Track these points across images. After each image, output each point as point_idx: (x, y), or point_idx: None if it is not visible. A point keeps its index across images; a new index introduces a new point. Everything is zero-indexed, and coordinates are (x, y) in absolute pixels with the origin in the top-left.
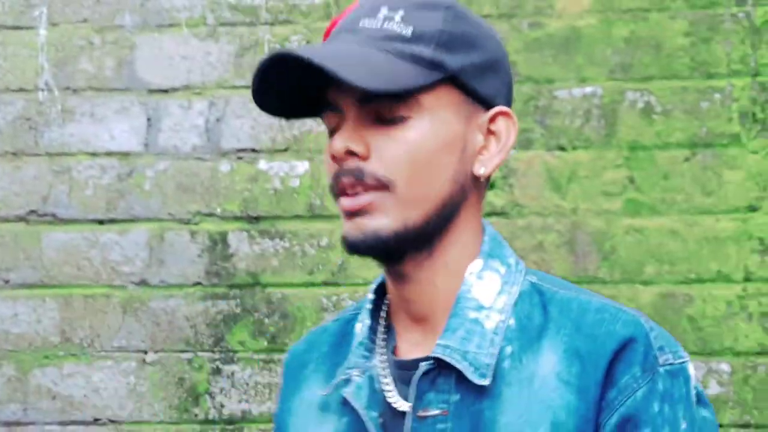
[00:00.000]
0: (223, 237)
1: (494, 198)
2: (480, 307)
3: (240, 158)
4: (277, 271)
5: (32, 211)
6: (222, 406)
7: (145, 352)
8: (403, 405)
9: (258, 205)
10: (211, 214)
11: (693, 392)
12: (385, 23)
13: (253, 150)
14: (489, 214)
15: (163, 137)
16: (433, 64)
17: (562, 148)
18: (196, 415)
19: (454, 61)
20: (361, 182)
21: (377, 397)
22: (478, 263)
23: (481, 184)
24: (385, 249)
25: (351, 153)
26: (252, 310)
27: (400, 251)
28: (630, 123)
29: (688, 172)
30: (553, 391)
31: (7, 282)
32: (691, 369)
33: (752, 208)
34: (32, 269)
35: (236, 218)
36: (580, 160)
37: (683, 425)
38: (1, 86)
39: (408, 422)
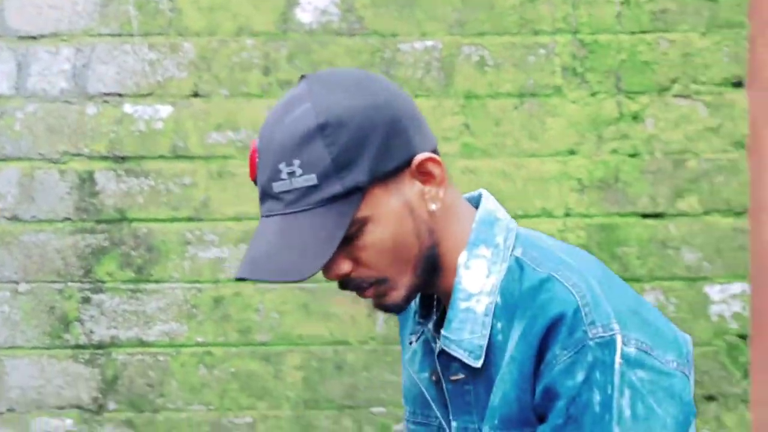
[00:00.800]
0: (91, 175)
1: None
2: (469, 296)
3: (106, 102)
4: (143, 208)
5: None
6: (91, 332)
7: (17, 283)
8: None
9: (124, 146)
10: (78, 154)
11: (620, 361)
12: (292, 180)
13: (119, 95)
14: None
15: (32, 81)
16: (349, 191)
17: None
18: (67, 341)
19: (361, 173)
20: (364, 285)
21: (432, 358)
22: (463, 255)
23: (438, 202)
24: (408, 303)
25: (346, 274)
26: (119, 243)
27: (413, 298)
28: (465, 74)
29: (516, 120)
30: (507, 366)
31: None
32: (620, 340)
33: (572, 152)
34: None
35: (103, 158)
36: (421, 107)
37: (609, 390)
38: None
39: (444, 385)
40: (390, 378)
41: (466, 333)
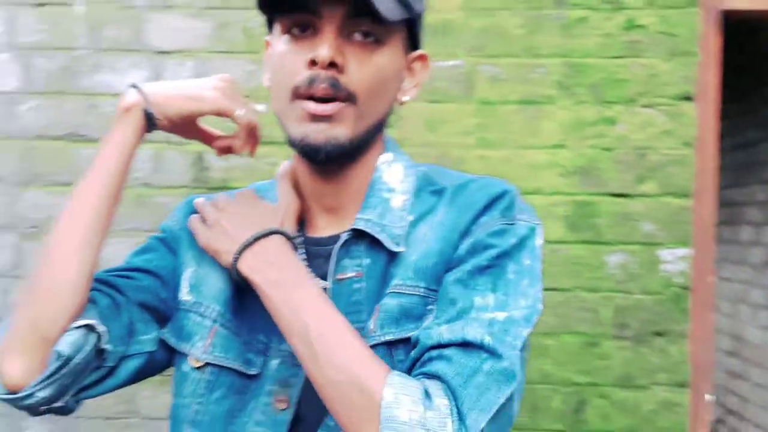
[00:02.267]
0: (201, 155)
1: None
2: (390, 189)
3: None
4: (239, 179)
5: None
6: None
7: (149, 232)
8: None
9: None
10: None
11: (537, 246)
12: None
13: None
14: None
15: None
16: (406, 6)
17: (435, 101)
18: None
19: (417, 6)
20: (335, 91)
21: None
22: (388, 156)
23: (407, 97)
24: (338, 153)
25: (332, 64)
26: None
27: (342, 155)
28: (482, 86)
29: (519, 121)
30: (435, 232)
31: None
32: (540, 233)
33: (560, 146)
34: None
35: None
36: (448, 110)
37: (526, 260)
38: None
39: (329, 285)
40: None
41: (386, 220)
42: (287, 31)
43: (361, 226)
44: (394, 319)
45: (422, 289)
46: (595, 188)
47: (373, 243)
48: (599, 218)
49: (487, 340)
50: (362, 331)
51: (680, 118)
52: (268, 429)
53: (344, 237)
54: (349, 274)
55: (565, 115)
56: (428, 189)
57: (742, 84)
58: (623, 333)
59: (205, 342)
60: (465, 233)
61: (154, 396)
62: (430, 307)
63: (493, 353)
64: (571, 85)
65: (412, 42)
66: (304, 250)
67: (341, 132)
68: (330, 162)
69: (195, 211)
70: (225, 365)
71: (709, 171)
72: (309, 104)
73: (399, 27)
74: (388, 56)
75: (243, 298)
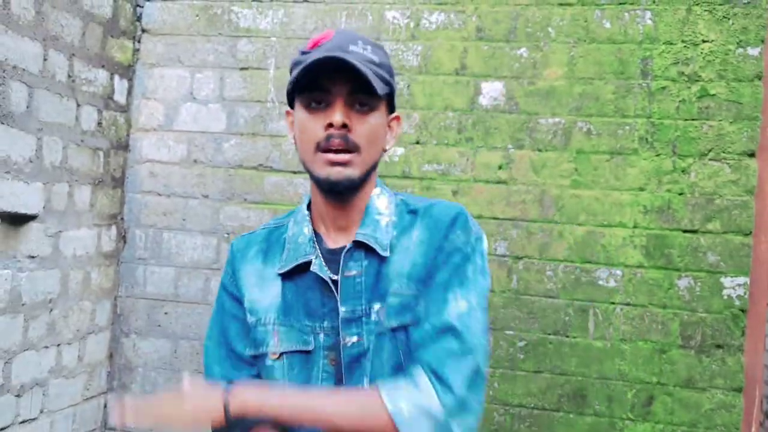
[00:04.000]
0: None
1: (501, 174)
2: (380, 213)
3: None
4: None
5: None
6: None
7: None
8: (333, 275)
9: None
10: None
11: (484, 250)
12: (364, 51)
13: None
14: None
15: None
16: (388, 84)
17: (539, 150)
18: None
19: (393, 84)
20: (346, 144)
21: (324, 270)
22: (377, 190)
23: (388, 145)
24: (351, 187)
25: (344, 126)
26: None
27: (353, 188)
28: (578, 139)
29: (608, 168)
30: (416, 248)
31: None
32: (484, 239)
33: (641, 189)
34: None
35: None
36: (550, 158)
37: (478, 260)
38: None
39: (339, 279)
40: None
41: (378, 234)
42: (308, 105)
43: (360, 238)
44: (396, 312)
45: (414, 290)
46: (669, 225)
47: (369, 250)
48: (672, 249)
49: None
50: (364, 314)
51: (743, 170)
52: (330, 376)
53: (348, 246)
54: (353, 272)
55: (645, 164)
56: (406, 210)
57: None
58: (688, 344)
59: (274, 341)
60: (438, 249)
61: None
62: (419, 300)
63: (459, 335)
64: (652, 140)
65: (390, 108)
66: (322, 258)
67: (352, 172)
68: (344, 193)
69: (237, 250)
70: (292, 350)
71: (766, 214)
72: (329, 155)
73: (383, 98)
74: (378, 118)
75: (286, 302)
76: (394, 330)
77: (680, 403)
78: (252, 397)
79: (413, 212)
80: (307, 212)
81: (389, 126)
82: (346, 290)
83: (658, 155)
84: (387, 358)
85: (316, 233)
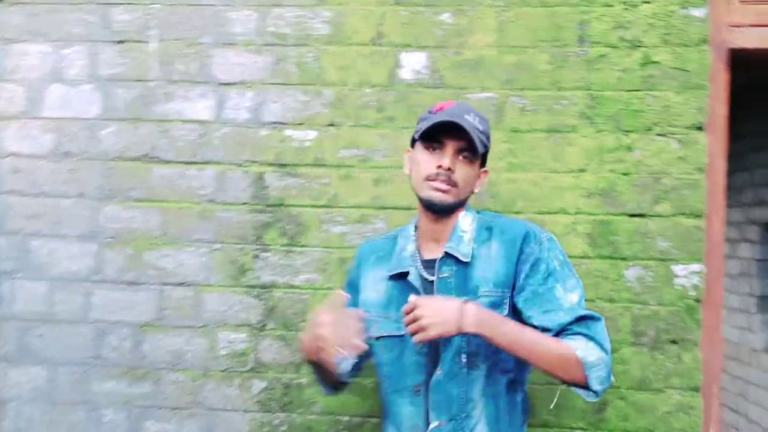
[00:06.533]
0: (262, 175)
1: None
2: (463, 231)
3: (274, 128)
4: (295, 198)
5: None
6: (259, 277)
7: (213, 243)
8: (430, 276)
9: (284, 157)
10: (254, 161)
11: (557, 245)
12: (474, 121)
13: (282, 123)
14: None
15: (226, 112)
16: (485, 146)
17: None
18: (243, 282)
19: (488, 146)
20: (449, 181)
21: (420, 276)
22: (463, 213)
23: (477, 189)
24: (444, 209)
25: (449, 168)
26: (279, 220)
27: (450, 210)
28: (511, 116)
29: (545, 147)
30: (497, 260)
31: None
32: (554, 238)
33: (582, 170)
34: None
35: (270, 164)
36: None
37: (560, 256)
38: None
39: (435, 281)
40: None
41: (461, 247)
42: (427, 147)
43: (448, 250)
44: (487, 308)
45: (500, 293)
46: (613, 209)
47: (456, 259)
48: (617, 236)
49: (581, 312)
50: None
51: (692, 145)
52: (420, 357)
53: (441, 256)
54: (445, 275)
55: (586, 142)
56: (483, 227)
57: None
58: (640, 340)
59: (374, 327)
60: (518, 261)
61: (217, 389)
62: (505, 300)
63: (586, 316)
64: (592, 115)
65: (483, 163)
66: (421, 266)
67: (448, 198)
68: (439, 212)
69: (364, 256)
70: (388, 334)
71: (718, 194)
72: (435, 183)
73: (479, 156)
74: (473, 169)
75: (388, 298)
76: None
77: (635, 407)
78: (487, 316)
79: (489, 229)
80: (413, 232)
81: (479, 175)
82: (441, 288)
83: (599, 131)
84: (470, 337)
85: (416, 246)
